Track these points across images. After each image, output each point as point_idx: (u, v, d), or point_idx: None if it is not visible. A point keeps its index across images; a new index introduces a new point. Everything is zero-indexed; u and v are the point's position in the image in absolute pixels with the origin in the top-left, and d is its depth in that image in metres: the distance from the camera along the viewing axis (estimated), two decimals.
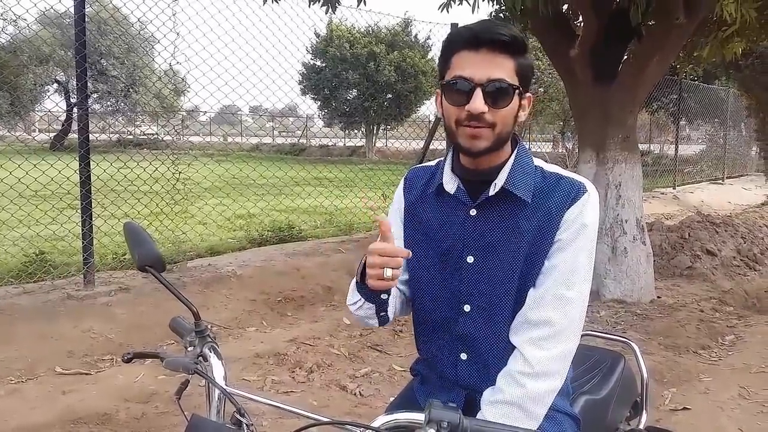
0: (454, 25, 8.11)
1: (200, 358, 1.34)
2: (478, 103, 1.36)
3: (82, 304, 4.55)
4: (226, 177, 9.31)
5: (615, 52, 6.04)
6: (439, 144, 9.95)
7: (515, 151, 1.51)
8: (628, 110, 6.04)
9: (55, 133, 25.91)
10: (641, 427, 2.07)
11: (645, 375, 2.12)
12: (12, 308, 4.38)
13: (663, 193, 12.67)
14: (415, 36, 28.95)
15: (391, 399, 3.73)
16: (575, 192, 1.46)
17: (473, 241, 1.50)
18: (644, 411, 2.12)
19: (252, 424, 1.22)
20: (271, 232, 7.83)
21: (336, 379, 4.02)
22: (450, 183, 1.54)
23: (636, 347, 2.15)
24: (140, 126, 25.70)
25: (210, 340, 1.37)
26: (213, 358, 1.35)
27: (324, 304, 5.54)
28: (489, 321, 1.51)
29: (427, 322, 1.62)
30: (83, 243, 4.99)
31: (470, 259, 1.50)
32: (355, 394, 3.84)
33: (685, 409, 3.84)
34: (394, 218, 1.66)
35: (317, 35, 28.41)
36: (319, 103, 29.35)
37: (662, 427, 2.21)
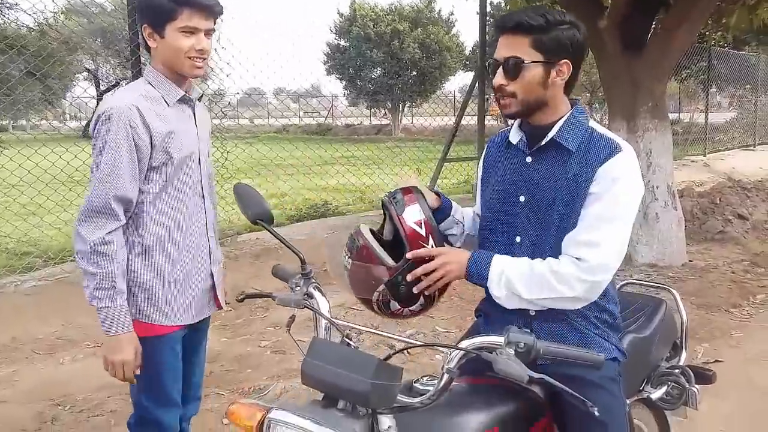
0: (482, 1, 8.25)
1: (306, 295, 1.58)
2: (496, 78, 1.71)
3: None
4: (256, 158, 9.60)
5: (643, 22, 6.17)
6: (471, 120, 10.05)
7: (571, 111, 1.77)
8: (657, 79, 6.15)
9: (86, 121, 26.36)
10: (680, 364, 2.28)
11: (684, 318, 2.34)
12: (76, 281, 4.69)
13: (693, 161, 12.70)
14: (439, 12, 28.90)
15: (437, 357, 4.00)
16: (610, 149, 1.69)
17: (525, 183, 1.79)
18: (683, 351, 2.33)
19: (358, 347, 1.46)
20: (308, 209, 8.11)
21: (384, 339, 4.26)
22: (515, 136, 1.85)
23: (676, 294, 2.37)
24: None
25: (314, 281, 1.62)
26: (318, 295, 1.59)
27: None
28: (535, 252, 1.75)
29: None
30: None
31: (522, 198, 1.79)
32: (403, 352, 4.09)
33: (717, 361, 4.03)
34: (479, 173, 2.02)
35: (340, 14, 28.48)
36: (344, 82, 29.48)
37: (700, 366, 2.42)
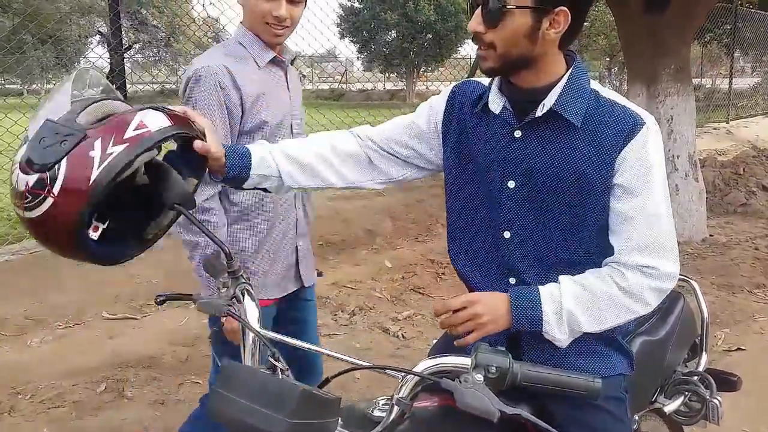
0: None
1: (233, 299, 1.26)
2: (471, 22, 1.34)
3: None
4: None
5: None
6: None
7: (569, 71, 1.39)
8: (682, 39, 5.75)
9: None
10: (700, 369, 1.96)
11: (705, 315, 2.00)
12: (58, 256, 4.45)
13: (716, 129, 12.17)
14: None
15: (434, 341, 3.72)
16: (632, 124, 1.33)
17: (515, 165, 1.41)
18: (703, 353, 2.01)
19: (287, 369, 1.15)
20: None
21: (378, 321, 4.00)
22: (496, 102, 1.44)
23: (696, 285, 2.03)
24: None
25: (243, 281, 1.28)
26: (246, 300, 1.27)
27: (366, 248, 5.50)
28: (532, 250, 1.42)
29: (468, 251, 1.52)
30: None
31: (511, 184, 1.41)
32: (397, 336, 3.82)
33: (739, 349, 3.72)
34: (423, 114, 1.56)
35: None
36: (358, 45, 28.91)
37: (723, 370, 2.10)
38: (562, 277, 1.35)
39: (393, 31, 27.89)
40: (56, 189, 1.11)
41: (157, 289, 4.30)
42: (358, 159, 1.55)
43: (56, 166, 1.11)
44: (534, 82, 1.38)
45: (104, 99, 1.22)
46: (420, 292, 4.51)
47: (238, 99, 1.88)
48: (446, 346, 1.60)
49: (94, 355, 3.42)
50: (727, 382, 1.96)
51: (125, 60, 5.18)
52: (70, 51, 24.79)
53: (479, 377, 1.03)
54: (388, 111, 10.84)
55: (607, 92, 1.41)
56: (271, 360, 1.14)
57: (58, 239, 1.17)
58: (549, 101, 1.36)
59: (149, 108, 1.23)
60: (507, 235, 1.44)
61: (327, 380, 1.15)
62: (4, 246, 4.55)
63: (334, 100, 26.78)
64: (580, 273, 1.38)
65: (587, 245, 1.40)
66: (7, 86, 24.82)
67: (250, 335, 1.23)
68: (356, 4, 28.40)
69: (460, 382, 1.03)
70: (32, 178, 1.11)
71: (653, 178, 1.33)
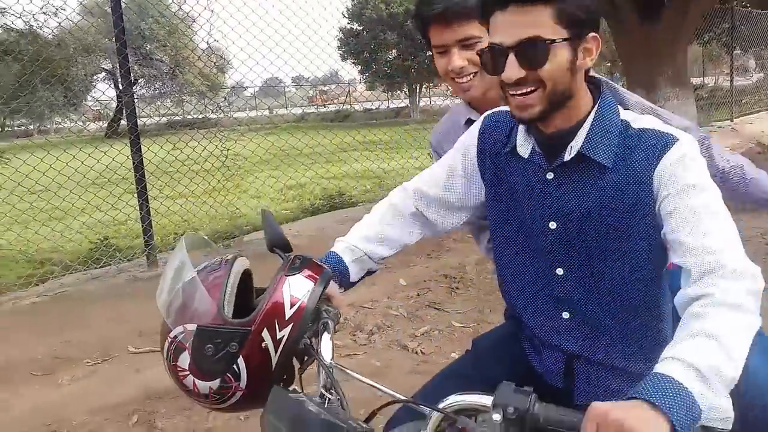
0: None
1: (313, 336, 1.27)
2: (509, 71, 1.23)
3: (148, 284, 4.72)
4: (274, 149, 9.50)
5: None
6: None
7: (596, 105, 1.32)
8: (678, 45, 5.84)
9: (108, 121, 26.33)
10: None
11: None
12: (82, 294, 4.58)
13: (721, 127, 12.22)
14: None
15: (453, 355, 3.78)
16: (662, 144, 1.24)
17: (553, 207, 1.36)
18: None
19: (338, 400, 1.17)
20: (322, 201, 7.95)
21: (396, 339, 4.08)
22: (524, 146, 1.39)
23: None
24: (187, 106, 25.83)
25: (325, 316, 1.29)
26: (324, 335, 1.27)
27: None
28: (587, 284, 1.36)
29: (521, 285, 1.48)
30: (143, 226, 5.18)
31: (552, 225, 1.37)
32: (416, 352, 3.89)
33: None
34: (458, 156, 1.54)
35: None
36: (360, 67, 29.20)
37: None
38: (668, 350, 1.04)
39: (394, 51, 28.17)
40: (243, 383, 1.18)
41: None
42: (414, 215, 1.60)
43: (234, 365, 1.17)
44: (562, 124, 1.31)
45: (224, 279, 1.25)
46: (436, 308, 4.58)
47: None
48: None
49: (123, 389, 3.51)
50: None
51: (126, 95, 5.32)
52: (77, 89, 25.18)
53: (497, 417, 1.00)
54: (391, 128, 10.94)
55: (640, 120, 1.32)
56: (322, 390, 1.17)
57: (249, 408, 1.26)
58: (576, 144, 1.30)
59: (287, 276, 1.25)
60: (560, 272, 1.39)
61: (374, 413, 1.18)
62: (29, 288, 4.69)
63: (340, 121, 27.05)
64: (637, 294, 1.34)
65: (642, 265, 1.32)
66: (14, 128, 25.30)
67: (323, 371, 1.22)
68: (356, 26, 28.73)
69: (475, 422, 1.06)
70: (214, 383, 1.18)
71: (703, 187, 1.21)
